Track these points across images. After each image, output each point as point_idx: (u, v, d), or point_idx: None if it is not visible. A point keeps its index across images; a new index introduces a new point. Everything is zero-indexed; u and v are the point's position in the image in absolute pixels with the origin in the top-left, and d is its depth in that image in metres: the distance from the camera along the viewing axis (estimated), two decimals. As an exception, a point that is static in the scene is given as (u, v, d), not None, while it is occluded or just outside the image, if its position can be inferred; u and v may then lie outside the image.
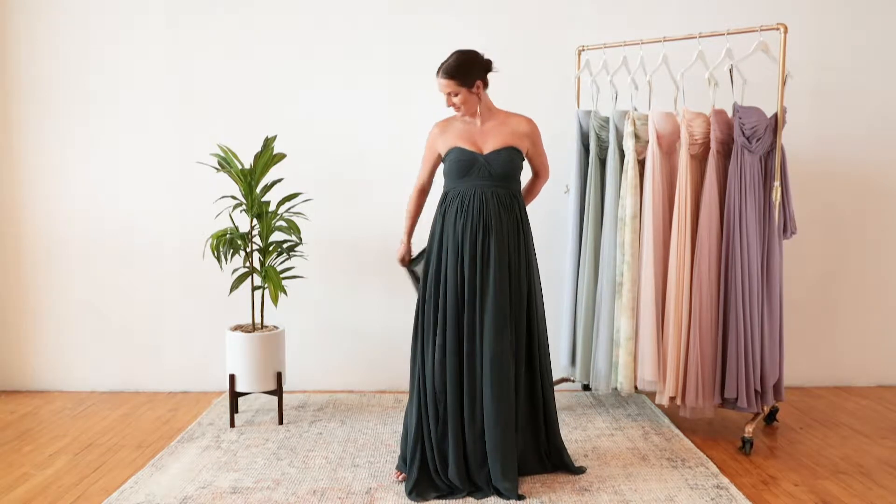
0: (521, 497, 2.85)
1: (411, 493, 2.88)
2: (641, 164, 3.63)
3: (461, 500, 2.85)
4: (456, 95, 2.96)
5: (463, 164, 2.99)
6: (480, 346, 2.93)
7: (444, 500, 2.85)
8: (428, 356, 2.99)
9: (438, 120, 3.15)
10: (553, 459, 3.11)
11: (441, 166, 3.12)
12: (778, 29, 3.37)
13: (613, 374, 3.67)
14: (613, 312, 3.68)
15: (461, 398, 2.94)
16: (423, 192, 3.23)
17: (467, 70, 2.95)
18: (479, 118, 3.04)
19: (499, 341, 2.90)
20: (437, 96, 3.09)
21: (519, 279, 2.99)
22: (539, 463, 3.09)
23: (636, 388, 3.63)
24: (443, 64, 2.97)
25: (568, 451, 3.17)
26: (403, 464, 3.03)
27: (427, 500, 2.86)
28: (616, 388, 3.68)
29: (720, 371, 3.45)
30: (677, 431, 3.60)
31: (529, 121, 3.10)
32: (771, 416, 3.76)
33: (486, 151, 3.00)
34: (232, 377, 3.70)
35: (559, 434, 3.14)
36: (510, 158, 3.00)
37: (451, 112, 3.09)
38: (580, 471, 3.10)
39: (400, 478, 3.02)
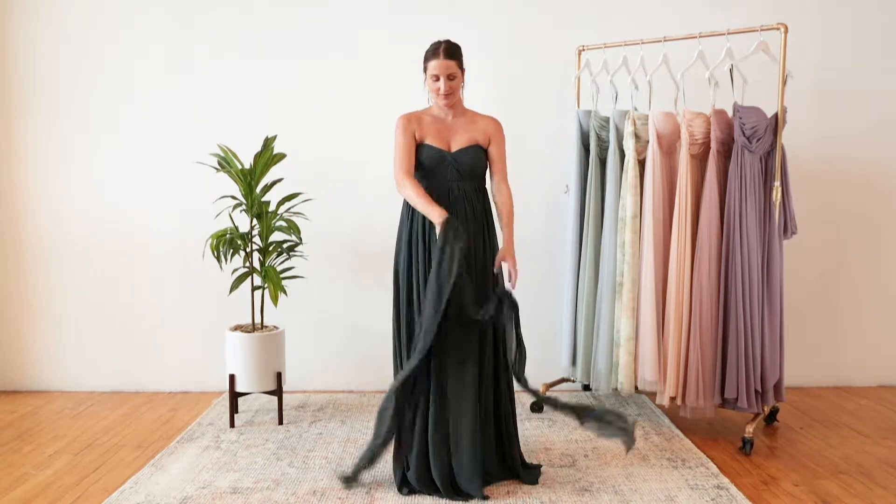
0: (485, 497, 2.84)
1: (402, 488, 2.93)
2: (641, 163, 3.63)
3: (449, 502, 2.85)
4: (453, 79, 2.96)
5: (431, 161, 2.98)
6: (446, 345, 2.90)
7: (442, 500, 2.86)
8: (404, 355, 2.99)
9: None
10: (513, 464, 3.06)
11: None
12: (778, 29, 3.37)
13: (614, 375, 3.67)
14: (614, 312, 3.68)
15: (428, 398, 2.91)
16: (411, 174, 2.99)
17: (461, 54, 3.00)
18: (452, 111, 3.04)
19: (462, 341, 2.88)
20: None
21: (485, 278, 2.98)
22: (502, 468, 3.04)
23: (636, 388, 3.63)
24: (438, 48, 2.96)
25: (565, 450, 3.16)
26: None
27: (402, 493, 2.90)
28: (616, 389, 3.68)
29: (720, 371, 3.45)
30: (677, 431, 3.60)
31: (498, 122, 3.11)
32: (771, 417, 3.76)
33: (454, 149, 3.01)
34: (232, 377, 3.70)
35: (517, 437, 3.10)
36: (476, 156, 3.02)
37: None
38: (535, 479, 3.02)
39: None
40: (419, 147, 3.01)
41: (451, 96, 2.99)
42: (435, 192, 2.95)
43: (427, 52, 2.99)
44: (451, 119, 3.05)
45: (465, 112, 3.09)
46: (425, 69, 2.99)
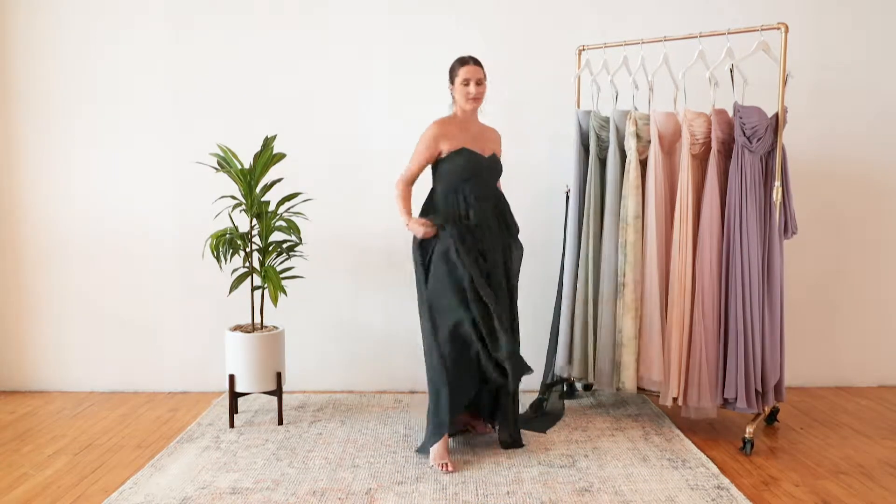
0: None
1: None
2: (642, 164, 3.63)
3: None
4: (480, 84, 3.21)
5: (472, 164, 3.24)
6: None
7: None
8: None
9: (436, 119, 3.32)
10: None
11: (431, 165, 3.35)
12: (779, 28, 3.36)
13: (615, 375, 3.67)
14: (615, 313, 3.67)
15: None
16: (411, 184, 3.36)
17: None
18: (471, 119, 3.31)
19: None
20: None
21: (508, 278, 3.36)
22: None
23: (638, 388, 3.62)
24: (466, 58, 3.26)
25: (565, 450, 3.18)
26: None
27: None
28: (619, 389, 3.67)
29: (721, 371, 3.45)
30: (678, 432, 3.60)
31: (498, 134, 3.46)
32: (772, 417, 3.75)
33: (486, 155, 3.32)
34: (231, 377, 3.69)
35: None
36: (499, 162, 3.40)
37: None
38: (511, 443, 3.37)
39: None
40: (457, 152, 3.23)
41: (479, 101, 3.26)
42: (482, 194, 3.26)
43: (454, 63, 3.26)
44: (474, 127, 3.31)
45: (477, 121, 3.36)
46: (453, 76, 3.25)
